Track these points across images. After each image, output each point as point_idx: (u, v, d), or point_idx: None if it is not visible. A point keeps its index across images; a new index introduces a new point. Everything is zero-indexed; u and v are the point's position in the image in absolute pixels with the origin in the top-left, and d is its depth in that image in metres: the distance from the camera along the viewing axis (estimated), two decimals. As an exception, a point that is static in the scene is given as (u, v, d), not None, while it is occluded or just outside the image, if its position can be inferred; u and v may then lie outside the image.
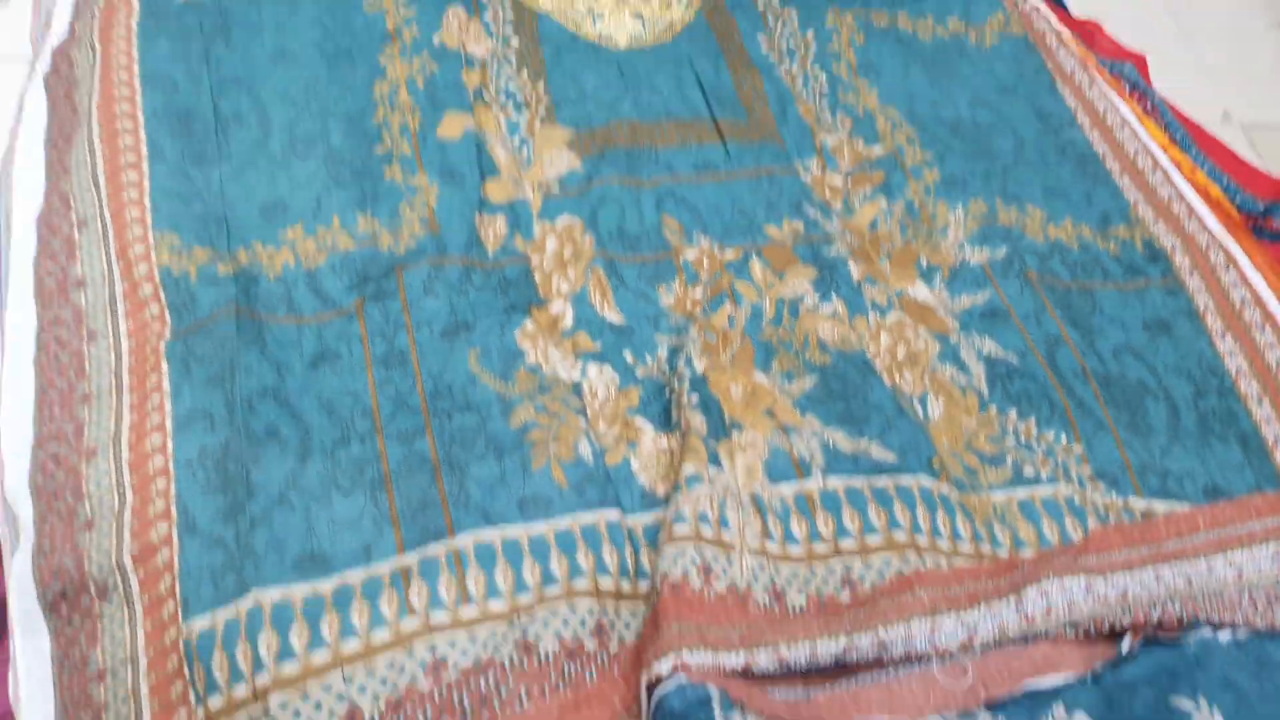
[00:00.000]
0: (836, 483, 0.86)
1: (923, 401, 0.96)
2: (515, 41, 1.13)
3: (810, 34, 1.24)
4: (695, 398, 0.90)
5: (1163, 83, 1.41)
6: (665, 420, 0.90)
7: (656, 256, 1.03)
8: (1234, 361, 1.05)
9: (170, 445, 0.81)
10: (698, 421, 0.87)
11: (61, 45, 1.04)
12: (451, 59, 1.08)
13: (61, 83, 1.01)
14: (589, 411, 0.89)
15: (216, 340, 0.86)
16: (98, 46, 1.01)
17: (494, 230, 0.99)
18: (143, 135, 0.96)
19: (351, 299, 0.92)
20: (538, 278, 0.98)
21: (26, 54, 1.08)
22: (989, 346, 1.01)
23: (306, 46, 1.06)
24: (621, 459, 0.86)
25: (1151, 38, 1.50)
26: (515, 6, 1.16)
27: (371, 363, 0.88)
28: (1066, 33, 1.37)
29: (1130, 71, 1.38)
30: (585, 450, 0.86)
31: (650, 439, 0.89)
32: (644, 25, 1.20)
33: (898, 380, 0.96)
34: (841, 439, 0.89)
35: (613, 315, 0.97)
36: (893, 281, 1.04)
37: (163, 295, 0.88)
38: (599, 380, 0.92)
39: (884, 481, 0.87)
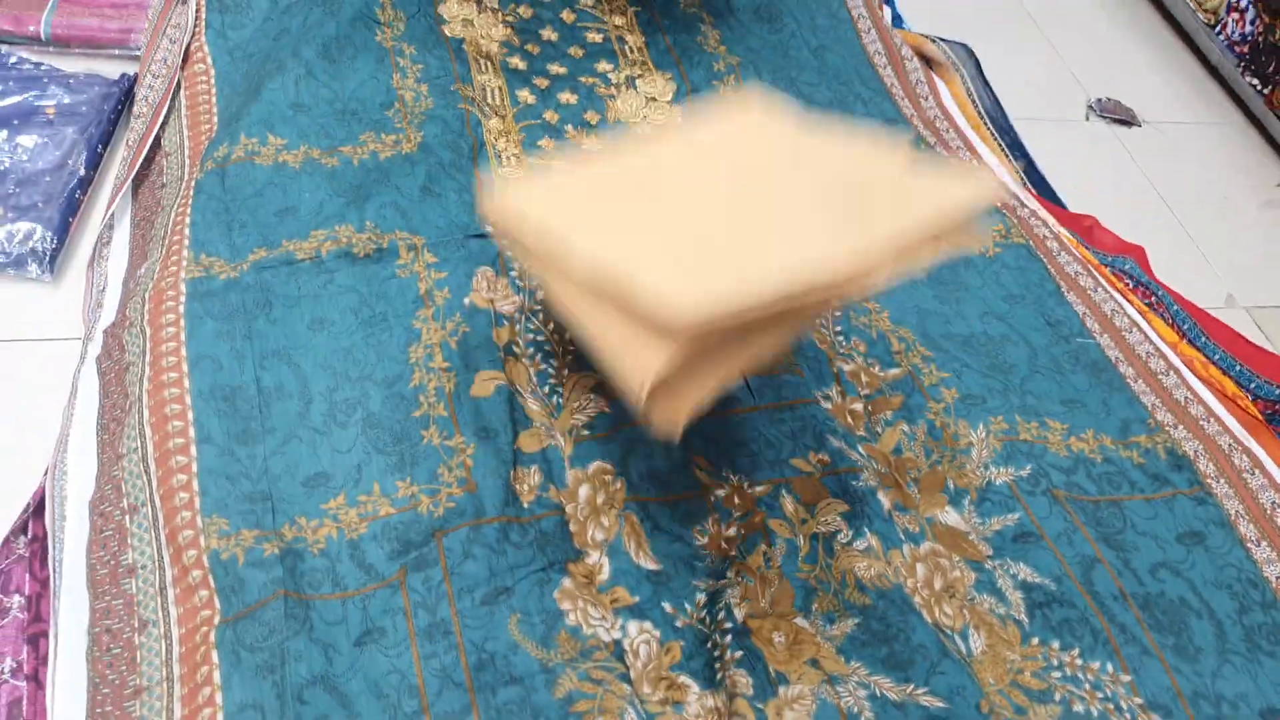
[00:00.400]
0: (887, 740, 0.86)
1: (964, 636, 0.96)
2: (540, 294, 1.18)
3: (820, 262, 1.29)
4: (739, 654, 0.90)
5: (1164, 271, 1.46)
6: (709, 674, 0.90)
7: (688, 496, 1.04)
8: (1273, 570, 1.05)
9: (222, 744, 0.81)
10: (743, 682, 0.87)
11: (111, 327, 1.10)
12: (481, 318, 1.13)
13: (113, 365, 1.07)
14: (632, 674, 0.89)
15: (266, 627, 0.87)
16: (148, 330, 1.07)
17: (528, 483, 1.02)
18: (190, 418, 1.00)
19: (394, 569, 0.93)
20: (573, 527, 1.00)
21: (77, 334, 1.14)
22: (1024, 572, 1.01)
23: (344, 313, 1.12)
24: None
25: (1148, 226, 1.56)
26: None
27: (416, 637, 0.89)
28: (1066, 234, 1.42)
29: (1133, 268, 1.42)
30: (632, 718, 0.85)
31: (696, 699, 0.88)
32: (662, 269, 1.26)
33: (938, 615, 0.96)
34: (888, 687, 0.89)
35: (648, 562, 0.98)
36: (922, 508, 1.05)
37: (212, 580, 0.90)
38: (639, 638, 0.92)
39: (934, 735, 0.86)
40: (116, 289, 1.16)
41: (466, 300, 1.14)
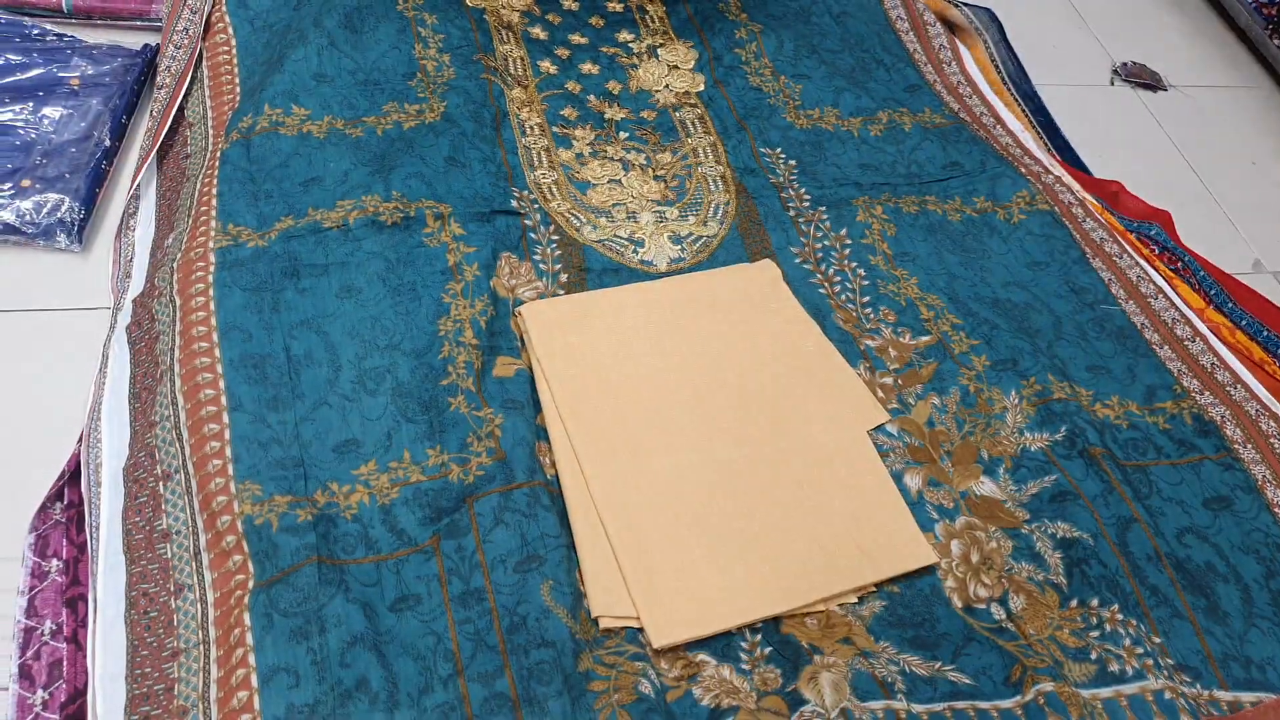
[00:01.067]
0: (920, 709, 0.86)
1: (1003, 601, 0.96)
2: (564, 277, 1.19)
3: (844, 231, 1.28)
4: (769, 650, 0.90)
5: (1191, 236, 1.45)
6: (728, 651, 0.91)
7: None
8: (1300, 535, 1.05)
9: (257, 703, 0.82)
10: (771, 676, 0.88)
11: (140, 296, 1.11)
12: (503, 306, 1.14)
13: (143, 335, 1.08)
14: (648, 652, 0.89)
15: (299, 592, 0.88)
16: (177, 300, 1.07)
17: (550, 457, 1.02)
18: (222, 386, 1.01)
19: (427, 535, 0.94)
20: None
21: (106, 303, 1.15)
22: (1062, 530, 1.01)
23: (371, 280, 1.12)
24: (684, 693, 0.87)
25: (1174, 192, 1.54)
26: (563, 243, 1.22)
27: (450, 603, 0.90)
28: (1091, 200, 1.41)
29: (1158, 233, 1.41)
30: (646, 688, 0.86)
31: (713, 668, 0.89)
32: (682, 247, 1.25)
33: (972, 592, 0.96)
34: (917, 664, 0.90)
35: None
36: (956, 482, 1.05)
37: (245, 545, 0.91)
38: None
39: (964, 704, 0.87)
40: (144, 259, 1.17)
41: (492, 283, 1.15)
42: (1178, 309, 1.26)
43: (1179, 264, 1.40)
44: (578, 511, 0.98)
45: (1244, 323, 1.34)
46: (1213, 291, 1.37)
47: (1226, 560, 1.02)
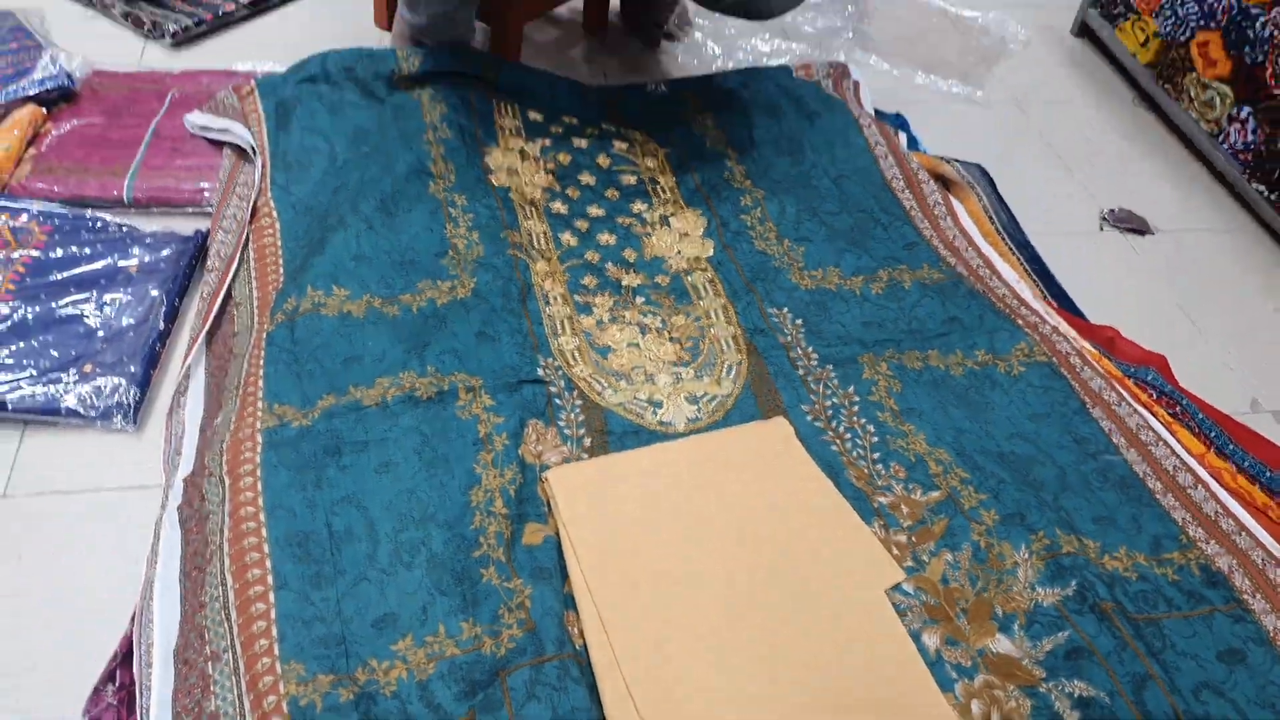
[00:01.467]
0: None
1: None
2: (587, 441, 1.26)
3: (851, 389, 1.35)
4: None
5: (1187, 379, 1.50)
6: None
7: None
8: (1316, 688, 1.07)
9: None
10: None
11: (191, 475, 1.18)
12: (530, 472, 1.20)
13: (194, 514, 1.14)
14: None
15: (343, 774, 0.92)
16: (226, 481, 1.14)
17: (579, 626, 1.07)
18: (269, 565, 1.07)
19: (463, 709, 0.98)
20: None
21: (159, 481, 1.22)
22: (1079, 689, 1.03)
23: (408, 455, 1.19)
24: None
25: (1167, 334, 1.61)
26: (586, 407, 1.30)
27: None
28: (1089, 347, 1.47)
29: (1154, 378, 1.47)
30: None
31: None
32: (699, 407, 1.33)
33: None
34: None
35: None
36: (973, 640, 1.08)
37: (290, 726, 0.95)
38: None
39: None
40: (194, 437, 1.24)
41: (520, 451, 1.21)
42: (1178, 456, 1.31)
43: (1177, 408, 1.45)
44: (606, 682, 1.01)
45: (1246, 464, 1.38)
46: (1213, 434, 1.42)
47: (1245, 716, 1.03)
